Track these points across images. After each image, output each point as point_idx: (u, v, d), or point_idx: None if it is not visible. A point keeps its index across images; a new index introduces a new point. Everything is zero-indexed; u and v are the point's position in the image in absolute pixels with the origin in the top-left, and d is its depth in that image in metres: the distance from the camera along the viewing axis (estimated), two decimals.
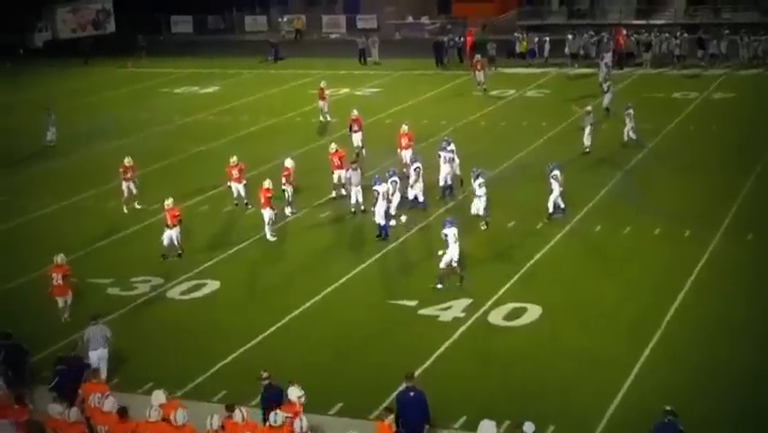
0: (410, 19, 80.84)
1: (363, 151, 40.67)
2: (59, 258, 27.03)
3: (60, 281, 26.71)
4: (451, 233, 27.75)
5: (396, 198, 33.07)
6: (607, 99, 46.57)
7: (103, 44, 78.21)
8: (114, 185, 38.10)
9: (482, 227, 32.37)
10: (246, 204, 35.53)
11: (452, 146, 35.98)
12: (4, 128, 51.75)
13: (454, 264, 27.87)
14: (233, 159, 36.05)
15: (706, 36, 60.63)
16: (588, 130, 40.42)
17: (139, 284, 29.49)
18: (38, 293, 27.59)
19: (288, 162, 34.85)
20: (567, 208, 32.83)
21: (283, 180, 34.18)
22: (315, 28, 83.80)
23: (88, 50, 73.91)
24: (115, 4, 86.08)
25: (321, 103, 49.66)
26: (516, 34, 66.32)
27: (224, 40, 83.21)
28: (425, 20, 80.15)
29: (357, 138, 41.65)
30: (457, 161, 35.99)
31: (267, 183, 32.30)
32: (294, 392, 19.42)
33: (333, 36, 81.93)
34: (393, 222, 32.67)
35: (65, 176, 41.97)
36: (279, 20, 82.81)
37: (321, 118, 49.46)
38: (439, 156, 35.86)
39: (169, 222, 31.04)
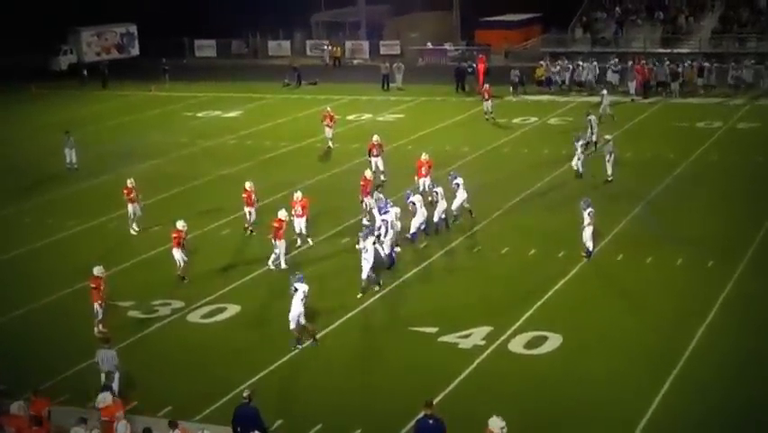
0: (431, 45, 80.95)
1: (382, 176, 40.71)
2: (96, 270, 27.88)
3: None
4: (302, 289, 26.56)
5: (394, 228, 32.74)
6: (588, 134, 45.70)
7: (126, 68, 78.74)
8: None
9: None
10: (251, 231, 35.69)
11: (459, 180, 35.90)
12: (30, 151, 52.05)
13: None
14: (249, 184, 36.11)
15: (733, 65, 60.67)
16: (608, 158, 40.40)
17: (159, 307, 29.62)
18: (56, 316, 27.74)
19: (297, 195, 34.48)
20: (593, 251, 32.23)
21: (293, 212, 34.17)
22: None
23: (106, 73, 74.36)
24: (140, 28, 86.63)
25: (327, 129, 49.64)
26: (541, 62, 66.36)
27: (248, 64, 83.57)
28: (447, 46, 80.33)
29: (377, 163, 41.80)
30: (464, 195, 35.84)
31: (282, 214, 32.40)
32: None
33: (356, 62, 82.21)
34: (398, 249, 32.74)
35: (88, 199, 42.24)
36: (324, 47, 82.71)
37: (330, 144, 49.56)
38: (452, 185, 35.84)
39: (174, 243, 31.55)
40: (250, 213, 35.92)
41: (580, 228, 31.94)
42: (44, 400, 21.76)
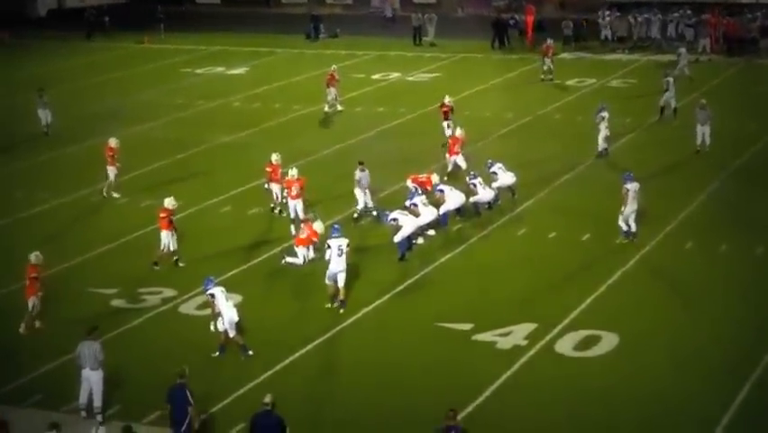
0: None
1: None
2: (33, 256, 27.54)
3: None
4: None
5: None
6: (666, 97, 45.71)
7: (114, 16, 78.86)
8: (122, 180, 38.51)
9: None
10: (280, 211, 35.69)
11: (496, 166, 35.84)
12: (0, 111, 52.34)
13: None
14: (275, 157, 36.03)
15: None
16: (700, 128, 40.33)
17: (148, 296, 29.71)
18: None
19: (293, 172, 34.37)
20: (638, 231, 32.30)
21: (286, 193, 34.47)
22: (364, 2, 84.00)
23: (93, 21, 74.54)
24: None
25: (330, 90, 49.84)
26: (599, 13, 66.07)
27: (257, 13, 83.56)
28: None
29: (447, 127, 42.21)
30: (508, 178, 35.91)
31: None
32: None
33: (384, 12, 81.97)
34: (421, 240, 32.80)
35: (65, 168, 42.45)
36: None
37: (327, 108, 49.66)
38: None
39: (161, 224, 31.54)
40: (277, 193, 35.69)
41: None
42: None
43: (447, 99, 43.51)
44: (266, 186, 36.14)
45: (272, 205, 35.98)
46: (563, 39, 63.32)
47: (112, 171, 37.76)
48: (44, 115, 47.56)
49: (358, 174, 34.92)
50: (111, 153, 37.60)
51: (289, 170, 34.23)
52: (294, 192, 33.74)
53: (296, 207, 33.72)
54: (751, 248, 31.54)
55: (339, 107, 49.80)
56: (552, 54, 55.41)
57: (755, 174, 38.69)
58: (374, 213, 34.80)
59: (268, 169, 35.80)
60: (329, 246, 28.22)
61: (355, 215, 34.95)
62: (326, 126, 47.54)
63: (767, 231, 32.77)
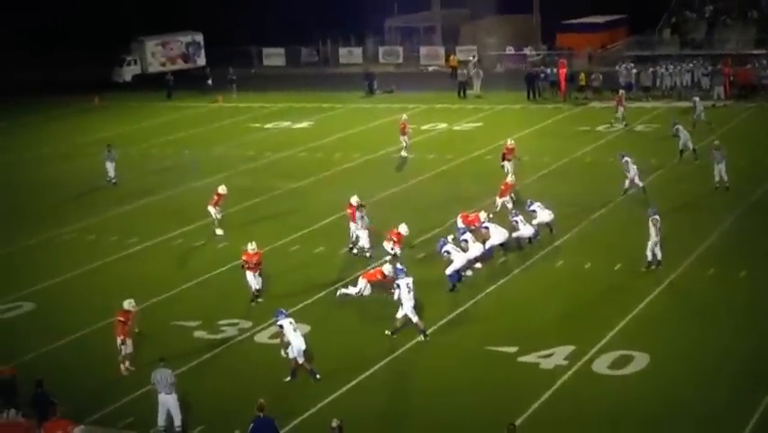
0: (511, 50, 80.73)
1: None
2: (127, 303, 27.46)
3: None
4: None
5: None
6: (682, 140, 45.28)
7: (191, 78, 79.64)
8: (201, 224, 38.83)
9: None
10: (350, 249, 35.63)
11: (535, 206, 35.81)
12: (93, 166, 52.73)
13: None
14: (355, 199, 35.82)
15: None
16: (717, 166, 40.03)
17: (226, 327, 29.84)
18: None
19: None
20: (663, 261, 32.06)
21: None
22: (413, 60, 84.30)
23: (171, 84, 75.36)
24: (206, 37, 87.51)
25: (403, 138, 49.95)
26: (616, 66, 65.97)
27: (318, 73, 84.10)
28: (527, 50, 80.00)
29: (509, 167, 42.18)
30: (546, 216, 35.82)
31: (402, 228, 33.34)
32: None
33: (431, 69, 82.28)
34: (470, 272, 32.72)
35: (153, 215, 42.70)
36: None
37: (403, 153, 49.74)
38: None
39: (249, 265, 31.38)
40: (356, 232, 35.47)
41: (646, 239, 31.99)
42: (64, 422, 21.86)
43: (509, 142, 43.57)
44: (350, 226, 35.71)
45: (350, 245, 35.71)
46: (593, 89, 63.29)
47: (216, 213, 38.27)
48: (111, 168, 48.17)
49: (359, 217, 34.90)
50: (217, 198, 38.23)
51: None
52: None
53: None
54: None
55: (404, 153, 49.75)
56: (623, 103, 55.20)
57: None
58: (367, 254, 34.67)
59: (348, 210, 35.75)
60: (398, 286, 28.15)
61: (355, 251, 35.12)
62: (383, 172, 47.54)
63: None
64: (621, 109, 54.77)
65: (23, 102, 75.27)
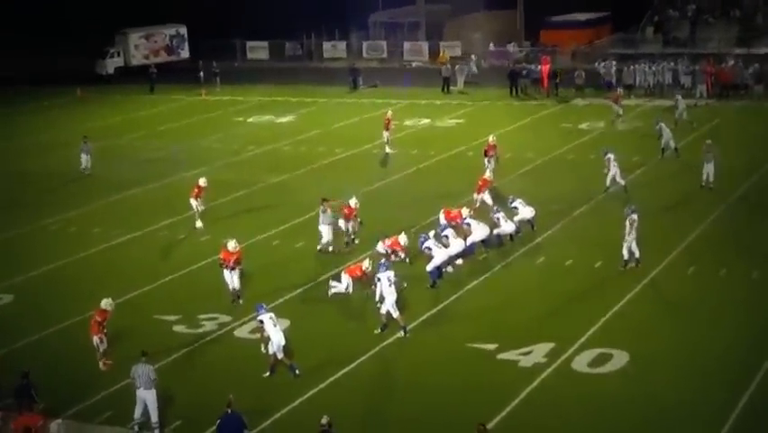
0: (492, 47, 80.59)
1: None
2: (105, 302, 27.11)
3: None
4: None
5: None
6: (664, 139, 45.34)
7: (174, 71, 79.39)
8: (184, 217, 38.73)
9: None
10: (347, 243, 35.53)
11: (516, 202, 35.78)
12: (74, 159, 52.52)
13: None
14: (354, 201, 35.45)
15: None
16: (705, 165, 40.09)
17: (206, 322, 29.75)
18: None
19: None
20: (641, 258, 32.05)
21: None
22: (396, 55, 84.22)
23: (154, 77, 75.12)
24: (189, 30, 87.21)
25: (385, 133, 49.83)
26: (596, 64, 66.09)
27: (302, 67, 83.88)
28: (511, 47, 79.93)
29: (488, 164, 42.15)
30: (527, 212, 35.79)
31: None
32: None
33: (414, 64, 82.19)
34: (450, 268, 32.64)
35: (135, 207, 42.55)
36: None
37: (387, 150, 49.67)
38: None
39: (227, 263, 30.89)
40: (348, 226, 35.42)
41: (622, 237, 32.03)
42: (36, 417, 21.84)
43: (491, 138, 43.50)
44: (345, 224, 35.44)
45: (346, 239, 35.53)
46: (575, 87, 63.33)
47: (198, 205, 38.21)
48: (85, 159, 48.26)
49: (321, 212, 34.83)
50: (197, 191, 38.20)
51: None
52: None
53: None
54: (748, 272, 31.33)
55: (388, 149, 49.66)
56: (621, 101, 55.22)
57: (752, 205, 38.50)
58: (330, 248, 34.71)
59: (346, 211, 35.35)
60: (379, 279, 28.15)
61: (319, 247, 34.96)
62: (366, 167, 47.50)
63: (763, 257, 32.53)
64: (616, 107, 54.71)
65: (3, 93, 74.79)
